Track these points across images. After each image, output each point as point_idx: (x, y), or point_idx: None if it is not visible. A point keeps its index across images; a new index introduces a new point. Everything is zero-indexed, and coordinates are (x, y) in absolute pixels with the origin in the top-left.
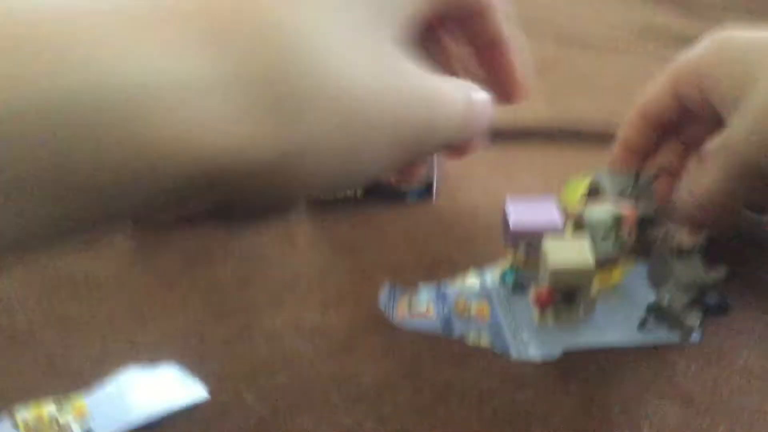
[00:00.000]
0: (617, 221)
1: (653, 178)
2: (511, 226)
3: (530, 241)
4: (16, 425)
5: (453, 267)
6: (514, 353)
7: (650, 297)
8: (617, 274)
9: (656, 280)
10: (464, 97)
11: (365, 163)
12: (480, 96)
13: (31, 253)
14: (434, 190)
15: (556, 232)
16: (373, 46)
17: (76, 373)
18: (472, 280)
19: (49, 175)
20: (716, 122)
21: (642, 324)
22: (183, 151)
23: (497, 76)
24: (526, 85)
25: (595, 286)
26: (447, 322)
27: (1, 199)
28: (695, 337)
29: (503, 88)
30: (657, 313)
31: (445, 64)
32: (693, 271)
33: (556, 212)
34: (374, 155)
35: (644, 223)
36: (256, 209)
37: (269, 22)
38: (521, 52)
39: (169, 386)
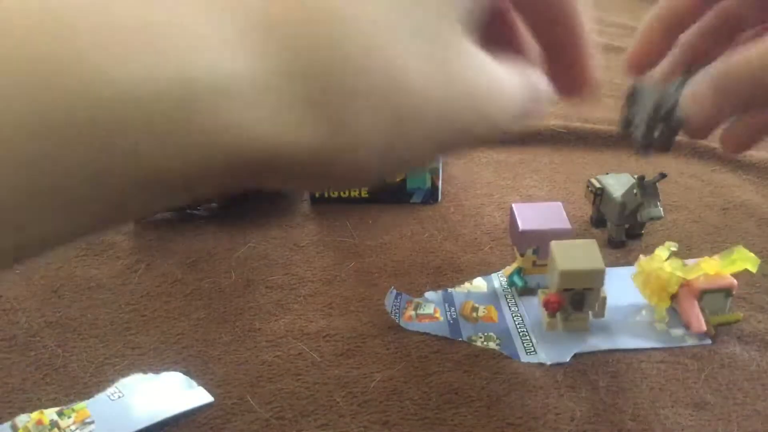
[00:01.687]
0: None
1: (659, 179)
2: (520, 228)
3: (540, 244)
4: (16, 430)
5: (459, 270)
6: (523, 357)
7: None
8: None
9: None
10: (524, 89)
11: (408, 157)
12: (542, 87)
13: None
14: (439, 192)
15: (565, 234)
16: (436, 34)
17: (77, 377)
18: (479, 283)
19: (119, 163)
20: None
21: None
22: (235, 142)
23: (563, 63)
24: (595, 78)
25: (605, 290)
26: (454, 325)
27: (84, 188)
28: (707, 339)
29: (568, 78)
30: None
31: (510, 42)
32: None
33: (563, 215)
34: (418, 150)
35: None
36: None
37: (326, 15)
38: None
39: (172, 391)
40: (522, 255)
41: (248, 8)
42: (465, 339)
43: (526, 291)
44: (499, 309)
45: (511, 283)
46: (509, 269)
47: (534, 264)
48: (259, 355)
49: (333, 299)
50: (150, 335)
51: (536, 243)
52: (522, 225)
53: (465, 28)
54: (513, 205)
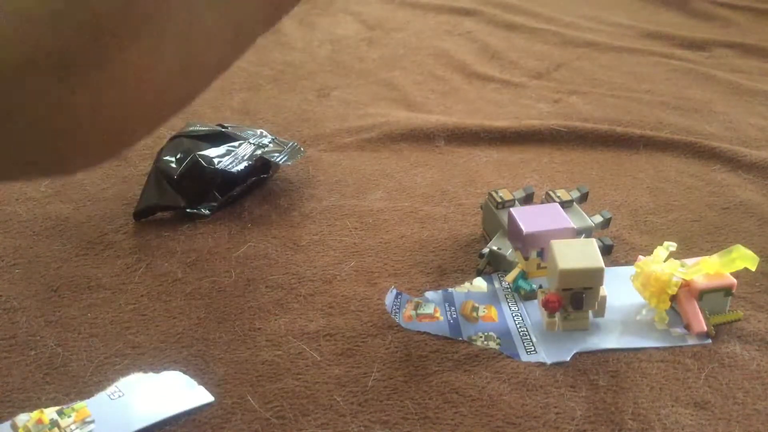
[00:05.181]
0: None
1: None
2: (524, 231)
3: (545, 246)
4: (16, 429)
5: (459, 270)
6: (523, 356)
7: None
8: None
9: (488, 231)
10: None
11: None
12: None
13: None
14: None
15: (568, 233)
16: None
17: (77, 376)
18: (479, 283)
19: None
20: None
21: (480, 271)
22: None
23: None
24: None
25: (604, 289)
26: (454, 325)
27: None
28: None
29: None
30: (492, 258)
31: None
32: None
33: (563, 214)
34: None
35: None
36: None
37: None
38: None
39: (172, 390)
40: (527, 258)
41: None
42: (465, 339)
43: (532, 295)
44: (499, 309)
45: (516, 288)
46: (512, 275)
47: (538, 266)
48: (259, 355)
49: (333, 299)
50: (150, 335)
51: (541, 244)
52: (525, 228)
53: None
54: (511, 209)
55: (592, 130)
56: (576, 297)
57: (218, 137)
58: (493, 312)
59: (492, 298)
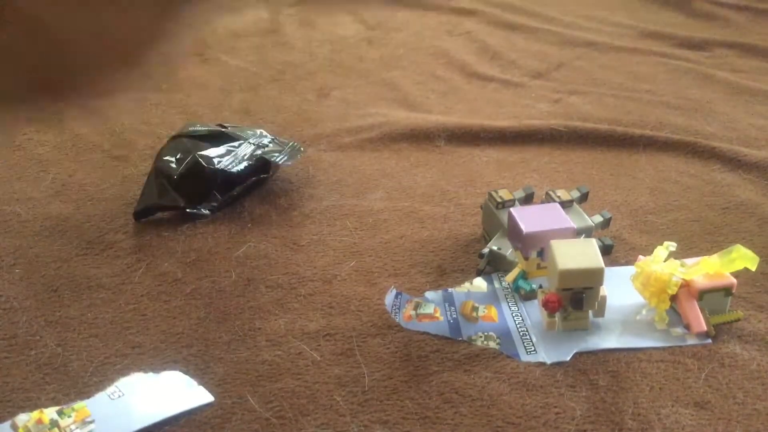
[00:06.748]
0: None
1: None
2: (524, 231)
3: (545, 245)
4: (16, 429)
5: (459, 270)
6: (523, 356)
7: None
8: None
9: (488, 231)
10: None
11: None
12: None
13: None
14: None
15: (568, 233)
16: None
17: (77, 376)
18: (479, 283)
19: None
20: None
21: (480, 271)
22: None
23: None
24: None
25: (605, 288)
26: (454, 324)
27: None
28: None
29: None
30: (492, 258)
31: None
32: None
33: (563, 214)
34: None
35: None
36: None
37: None
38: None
39: (172, 390)
40: (527, 258)
41: None
42: (465, 338)
43: (532, 295)
44: (499, 309)
45: (516, 288)
46: (512, 275)
47: (538, 266)
48: (259, 355)
49: (333, 299)
50: (150, 334)
51: (541, 244)
52: (525, 228)
53: None
54: (511, 209)
55: (592, 130)
56: (576, 297)
57: (218, 137)
58: (493, 312)
59: (492, 298)
